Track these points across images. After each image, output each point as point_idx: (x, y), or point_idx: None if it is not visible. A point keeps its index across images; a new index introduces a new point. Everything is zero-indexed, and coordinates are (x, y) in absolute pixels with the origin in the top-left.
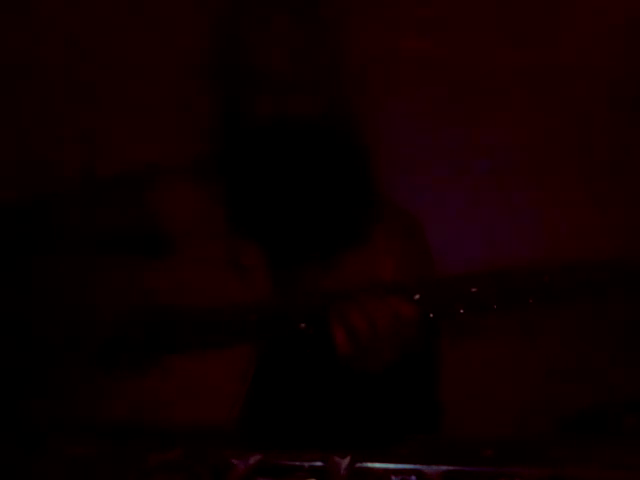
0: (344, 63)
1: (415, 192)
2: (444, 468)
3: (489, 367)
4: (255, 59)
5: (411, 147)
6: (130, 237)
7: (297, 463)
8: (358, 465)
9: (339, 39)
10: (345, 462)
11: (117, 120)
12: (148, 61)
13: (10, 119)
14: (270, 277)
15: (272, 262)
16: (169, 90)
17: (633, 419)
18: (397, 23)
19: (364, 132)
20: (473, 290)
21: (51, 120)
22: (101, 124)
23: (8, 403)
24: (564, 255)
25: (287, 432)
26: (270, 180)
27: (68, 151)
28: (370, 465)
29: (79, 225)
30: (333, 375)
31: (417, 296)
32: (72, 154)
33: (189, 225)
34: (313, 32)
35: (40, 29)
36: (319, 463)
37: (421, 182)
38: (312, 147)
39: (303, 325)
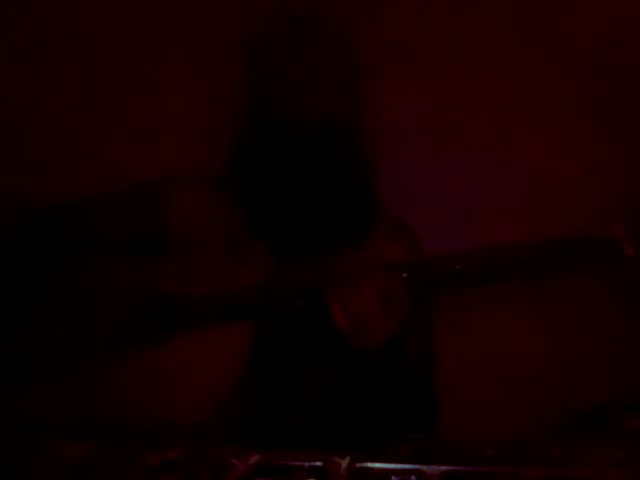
0: (355, 67)
1: (412, 194)
2: (444, 468)
3: (489, 367)
4: (269, 63)
5: (413, 153)
6: (140, 240)
7: (297, 463)
8: (358, 465)
9: (350, 41)
10: (345, 462)
11: (128, 127)
12: (161, 65)
13: (17, 127)
14: (272, 272)
15: (275, 258)
16: (182, 95)
17: (633, 419)
18: (406, 25)
19: (370, 136)
20: (456, 267)
21: (61, 128)
22: (113, 131)
23: (8, 402)
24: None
25: (287, 432)
26: (277, 179)
27: (82, 158)
28: (370, 465)
29: (93, 229)
30: (329, 358)
31: (405, 274)
32: (87, 160)
33: (197, 228)
34: (326, 35)
35: (44, 33)
36: (319, 463)
37: (417, 183)
38: (321, 149)
39: (299, 304)
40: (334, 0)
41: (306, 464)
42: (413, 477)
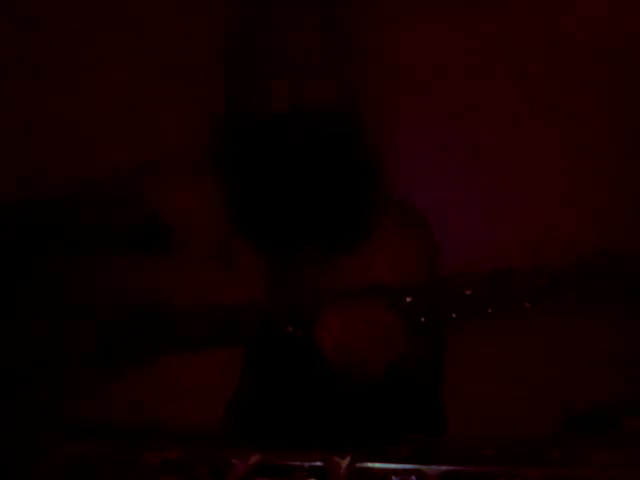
0: (359, 53)
1: (419, 190)
2: (444, 468)
3: (489, 368)
4: (272, 44)
5: (418, 144)
6: (129, 236)
7: (297, 463)
8: (358, 465)
9: (354, 29)
10: (345, 462)
11: (117, 116)
12: (152, 50)
13: (7, 119)
14: (267, 277)
15: (270, 261)
16: (173, 83)
17: (633, 419)
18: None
19: (372, 127)
20: (467, 293)
21: (49, 119)
22: (101, 121)
23: (8, 403)
24: (561, 256)
25: (287, 432)
26: (273, 175)
27: (68, 149)
28: (370, 465)
29: (79, 224)
30: (323, 379)
31: (409, 299)
32: (72, 152)
33: (188, 224)
34: (329, 20)
35: (36, 30)
36: (319, 463)
37: (426, 180)
38: (322, 137)
39: (290, 328)
40: None
41: (306, 464)
42: (413, 477)
